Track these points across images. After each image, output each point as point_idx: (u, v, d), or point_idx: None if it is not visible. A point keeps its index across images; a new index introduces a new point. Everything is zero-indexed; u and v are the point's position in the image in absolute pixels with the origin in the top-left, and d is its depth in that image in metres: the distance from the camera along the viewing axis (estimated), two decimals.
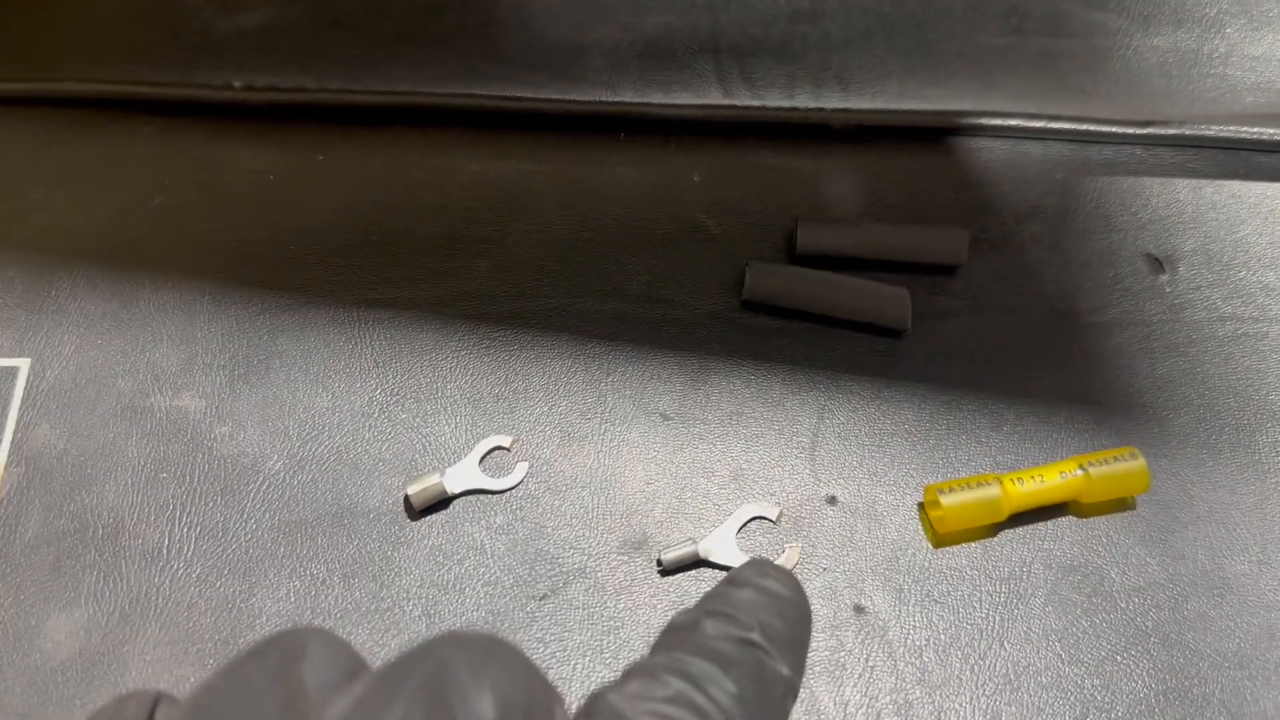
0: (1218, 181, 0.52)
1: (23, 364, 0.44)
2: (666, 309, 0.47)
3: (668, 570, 0.41)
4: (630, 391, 0.45)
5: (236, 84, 0.49)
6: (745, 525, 0.42)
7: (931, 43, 0.54)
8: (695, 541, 0.41)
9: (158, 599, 0.40)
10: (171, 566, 0.40)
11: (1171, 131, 0.51)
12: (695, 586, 0.41)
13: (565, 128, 0.51)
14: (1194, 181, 0.52)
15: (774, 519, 0.42)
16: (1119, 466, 0.42)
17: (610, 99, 0.50)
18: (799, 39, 0.54)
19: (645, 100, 0.51)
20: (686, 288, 0.47)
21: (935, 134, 0.52)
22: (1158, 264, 0.49)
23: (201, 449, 0.43)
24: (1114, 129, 0.52)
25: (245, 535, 0.41)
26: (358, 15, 0.53)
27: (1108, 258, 0.49)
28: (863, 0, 0.55)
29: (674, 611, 0.40)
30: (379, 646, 0.39)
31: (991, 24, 0.55)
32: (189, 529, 0.41)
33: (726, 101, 0.51)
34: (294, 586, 0.40)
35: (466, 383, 0.45)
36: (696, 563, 0.41)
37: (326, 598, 0.40)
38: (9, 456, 0.42)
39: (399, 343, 0.45)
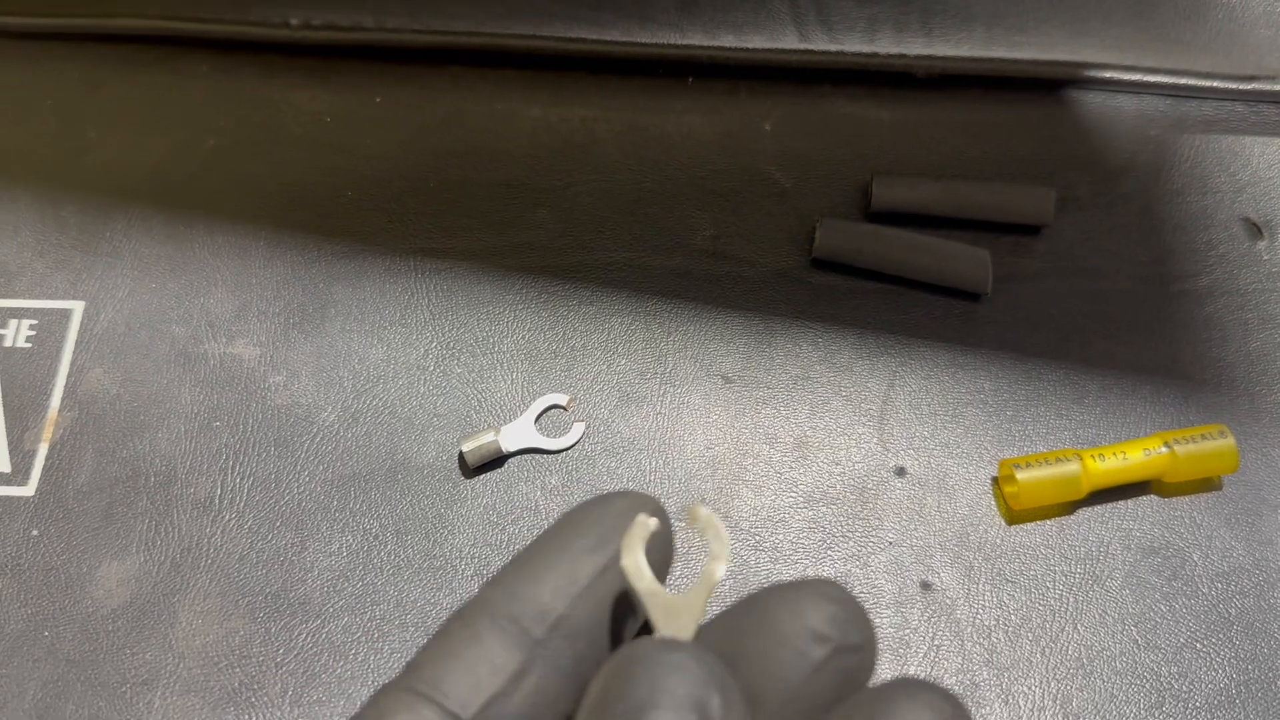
0: None
1: (77, 307, 0.44)
2: (732, 266, 0.45)
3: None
4: (691, 352, 0.43)
5: (294, 21, 0.48)
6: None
7: None
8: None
9: (209, 549, 0.39)
10: (223, 517, 0.40)
11: (1277, 87, 0.48)
12: (752, 555, 0.39)
13: (630, 71, 0.49)
14: None
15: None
16: (1207, 445, 0.40)
17: (679, 41, 0.48)
18: None
19: (716, 43, 0.48)
20: (753, 244, 0.45)
21: (1023, 84, 0.49)
22: (1256, 229, 0.46)
23: (255, 398, 0.42)
24: (1215, 83, 0.48)
25: (298, 487, 0.40)
26: None
27: (1203, 221, 0.46)
28: None
29: (733, 578, 0.39)
30: (430, 605, 0.38)
31: None
32: (242, 479, 0.40)
33: (802, 45, 0.48)
34: (346, 541, 0.39)
35: (523, 338, 0.43)
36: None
37: (379, 553, 0.39)
38: (62, 401, 0.42)
39: (455, 294, 0.44)
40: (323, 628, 0.38)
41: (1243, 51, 0.50)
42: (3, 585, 0.39)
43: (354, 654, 0.37)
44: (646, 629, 0.21)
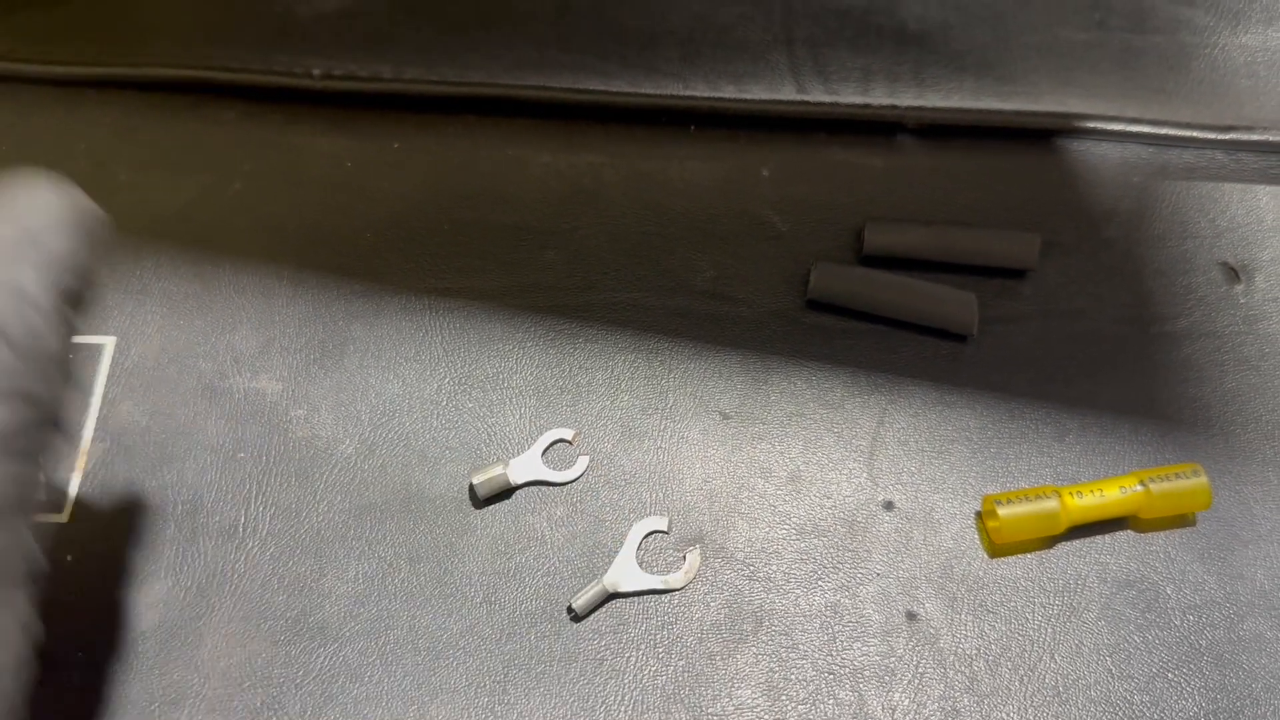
0: None
1: (109, 342, 0.46)
2: (730, 306, 0.47)
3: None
4: (691, 389, 0.45)
5: (316, 71, 0.50)
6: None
7: (1010, 36, 0.53)
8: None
9: (233, 575, 0.42)
10: (247, 544, 0.42)
11: (1255, 137, 0.50)
12: (746, 585, 0.41)
13: (636, 120, 0.51)
14: (1276, 188, 0.50)
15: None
16: (1180, 483, 0.42)
17: (682, 92, 0.51)
18: (874, 31, 0.53)
19: (717, 94, 0.51)
20: (751, 285, 0.48)
21: (1010, 134, 0.51)
22: (1234, 273, 0.49)
23: (278, 431, 0.44)
24: (1195, 132, 0.51)
25: (318, 517, 0.43)
26: None
27: (1183, 265, 0.49)
28: None
29: (728, 607, 0.41)
30: (442, 630, 0.40)
31: (1073, 17, 0.54)
32: (264, 508, 0.43)
33: (799, 96, 0.51)
34: (363, 568, 0.42)
35: (532, 374, 0.45)
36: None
37: (393, 580, 0.41)
38: (95, 432, 0.44)
39: (468, 332, 0.46)
40: (340, 651, 0.40)
41: (1223, 102, 0.52)
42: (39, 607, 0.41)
43: (369, 677, 0.40)
44: None
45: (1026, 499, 0.41)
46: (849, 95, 0.51)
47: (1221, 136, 0.51)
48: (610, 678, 0.40)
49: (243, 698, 0.39)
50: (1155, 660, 0.40)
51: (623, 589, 0.41)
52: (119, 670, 0.40)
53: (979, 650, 0.40)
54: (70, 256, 0.31)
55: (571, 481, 0.43)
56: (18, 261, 0.29)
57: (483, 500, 0.43)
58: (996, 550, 0.42)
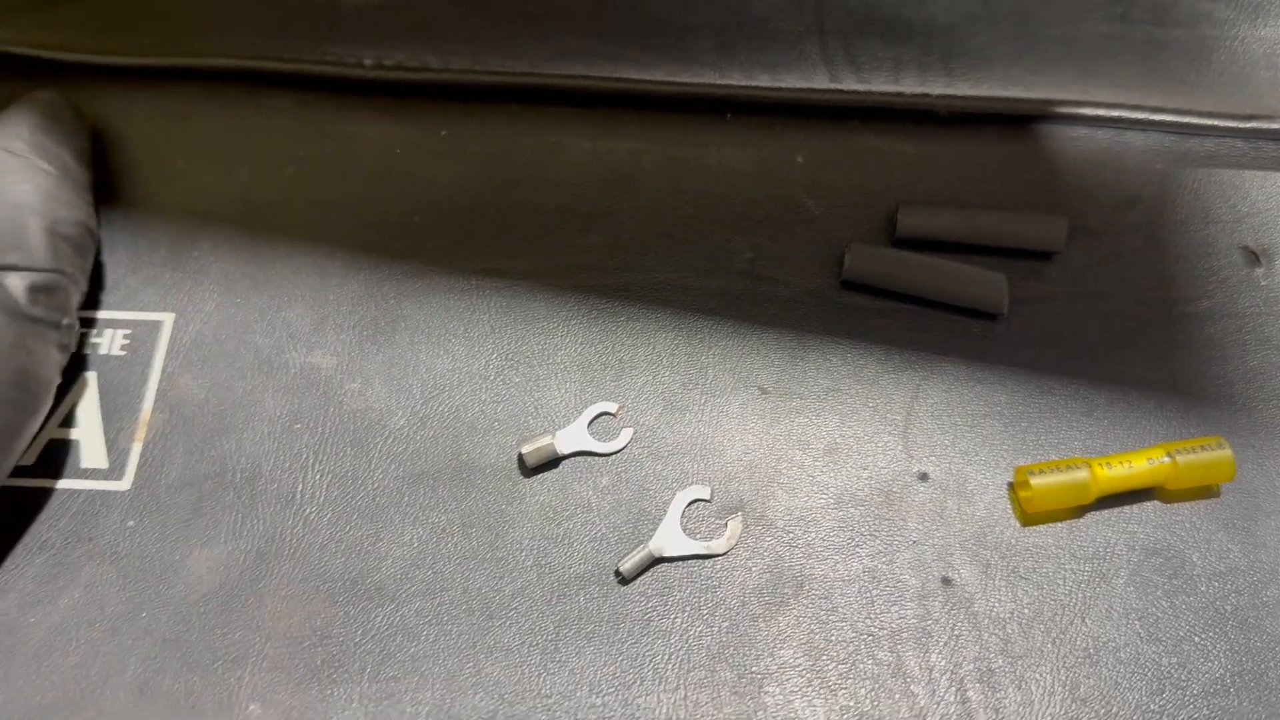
0: None
1: (167, 318, 0.48)
2: (768, 286, 0.49)
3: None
4: (730, 365, 0.47)
5: (367, 61, 0.52)
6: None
7: (1036, 29, 0.55)
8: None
9: (291, 540, 0.43)
10: (305, 510, 0.44)
11: (1275, 125, 0.52)
12: (787, 552, 0.43)
13: (673, 108, 0.53)
14: None
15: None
16: (1205, 455, 0.43)
17: (718, 81, 0.52)
18: (904, 23, 0.55)
19: (752, 82, 0.52)
20: (787, 266, 0.49)
21: (1038, 121, 0.52)
22: (1254, 257, 0.50)
23: (333, 403, 0.46)
24: (1217, 121, 0.52)
25: (373, 484, 0.44)
26: None
27: (1204, 249, 0.50)
28: None
29: (769, 571, 0.42)
30: (494, 591, 0.42)
31: (1097, 11, 0.56)
32: (321, 476, 0.44)
33: (832, 85, 0.52)
34: (417, 533, 0.43)
35: (576, 350, 0.47)
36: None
37: (446, 544, 0.43)
38: (155, 404, 0.46)
39: (514, 310, 0.48)
40: (396, 611, 0.42)
41: (1243, 92, 0.53)
42: (103, 571, 0.43)
43: (425, 635, 0.41)
44: None
45: (1058, 470, 0.43)
46: (881, 84, 0.52)
47: (1242, 125, 0.52)
48: (658, 637, 0.41)
49: (303, 656, 0.41)
50: (1182, 624, 0.42)
51: (668, 554, 0.42)
52: (182, 631, 0.41)
53: (1012, 614, 0.42)
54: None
55: (616, 452, 0.45)
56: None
57: (531, 469, 0.44)
58: (1028, 519, 0.44)
